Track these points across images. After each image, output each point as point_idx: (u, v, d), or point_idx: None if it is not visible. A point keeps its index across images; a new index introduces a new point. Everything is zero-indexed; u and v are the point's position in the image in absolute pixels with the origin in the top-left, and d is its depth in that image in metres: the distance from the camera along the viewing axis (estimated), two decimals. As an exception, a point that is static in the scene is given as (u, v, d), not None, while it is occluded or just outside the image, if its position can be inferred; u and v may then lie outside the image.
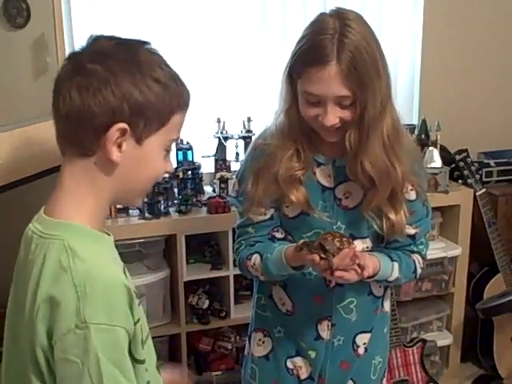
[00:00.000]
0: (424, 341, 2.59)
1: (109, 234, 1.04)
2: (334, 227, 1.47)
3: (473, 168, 2.62)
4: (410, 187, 1.47)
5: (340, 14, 1.33)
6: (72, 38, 2.31)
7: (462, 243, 2.66)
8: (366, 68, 1.30)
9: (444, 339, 2.73)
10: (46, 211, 1.00)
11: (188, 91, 1.02)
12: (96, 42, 0.98)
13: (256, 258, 1.51)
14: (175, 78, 1.00)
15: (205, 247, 2.48)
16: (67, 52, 1.73)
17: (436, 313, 2.74)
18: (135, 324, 0.96)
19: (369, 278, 1.46)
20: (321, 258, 1.33)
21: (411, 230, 1.51)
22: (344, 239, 1.35)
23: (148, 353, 1.02)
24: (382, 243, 1.53)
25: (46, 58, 1.58)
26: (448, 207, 2.63)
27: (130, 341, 0.95)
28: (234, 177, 1.60)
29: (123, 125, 0.94)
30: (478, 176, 2.63)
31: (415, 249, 1.56)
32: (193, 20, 2.48)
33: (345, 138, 1.39)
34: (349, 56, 1.28)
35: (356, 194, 1.47)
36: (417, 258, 1.56)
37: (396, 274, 1.51)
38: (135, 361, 0.97)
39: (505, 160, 2.89)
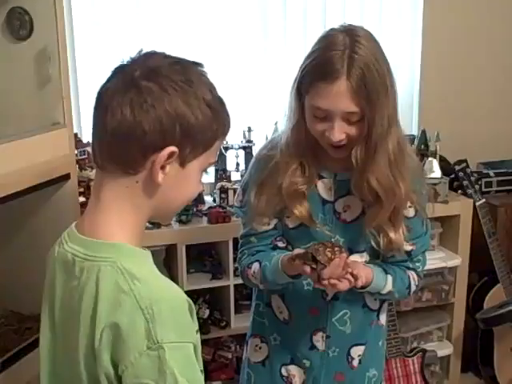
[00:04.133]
0: (424, 351, 2.59)
1: (146, 250, 1.01)
2: (333, 240, 1.47)
3: (472, 178, 2.63)
4: (408, 204, 1.47)
5: (350, 30, 1.34)
6: (74, 50, 2.34)
7: (461, 253, 2.66)
8: (374, 85, 1.30)
9: (444, 349, 2.73)
10: (84, 231, 0.97)
11: (230, 117, 1.00)
12: (149, 58, 0.94)
13: (256, 266, 1.53)
14: (222, 103, 0.98)
15: (205, 257, 2.48)
16: (70, 64, 1.75)
17: (436, 323, 2.74)
18: (196, 333, 0.95)
19: (361, 287, 1.46)
20: (312, 269, 1.35)
21: (408, 247, 1.50)
22: (336, 249, 1.36)
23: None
24: (379, 258, 1.53)
25: (48, 70, 1.60)
26: (448, 217, 2.64)
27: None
28: (239, 187, 1.61)
29: (174, 148, 0.92)
30: (477, 186, 2.64)
31: (411, 265, 1.55)
32: (194, 31, 2.50)
33: (350, 154, 1.39)
34: (359, 72, 1.29)
35: (355, 207, 1.48)
36: (412, 274, 1.55)
37: (389, 287, 1.51)
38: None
39: (504, 170, 2.91)
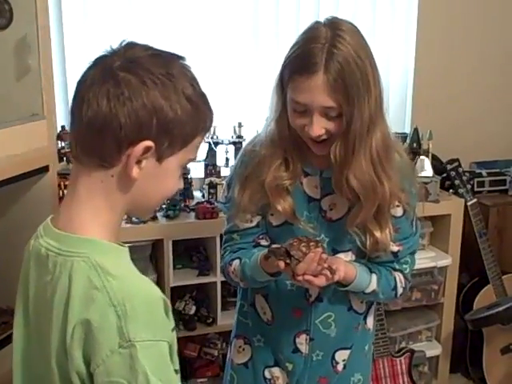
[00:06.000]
0: (412, 351, 2.57)
1: (123, 246, 0.98)
2: (318, 239, 1.43)
3: (464, 178, 2.61)
4: (396, 203, 1.43)
5: (333, 24, 1.31)
6: (62, 41, 2.31)
7: (452, 253, 2.64)
8: (354, 81, 1.27)
9: (433, 349, 2.72)
10: (58, 225, 0.95)
11: (213, 113, 0.97)
12: (130, 49, 0.92)
13: (236, 263, 1.50)
14: (205, 98, 0.96)
15: (192, 252, 2.46)
16: (54, 54, 1.71)
17: (425, 323, 2.72)
18: (172, 331, 0.93)
19: (344, 285, 1.43)
20: (287, 265, 1.31)
21: (394, 247, 1.46)
22: (311, 244, 1.33)
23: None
24: (365, 257, 1.49)
25: (27, 60, 1.56)
26: (438, 217, 2.62)
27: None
28: (225, 182, 1.59)
29: (150, 143, 0.89)
30: (469, 186, 2.62)
31: (397, 266, 1.50)
32: (185, 25, 2.48)
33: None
34: (337, 67, 1.26)
35: (341, 206, 1.45)
36: (398, 275, 1.51)
37: (374, 286, 1.47)
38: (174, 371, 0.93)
39: (497, 170, 2.90)
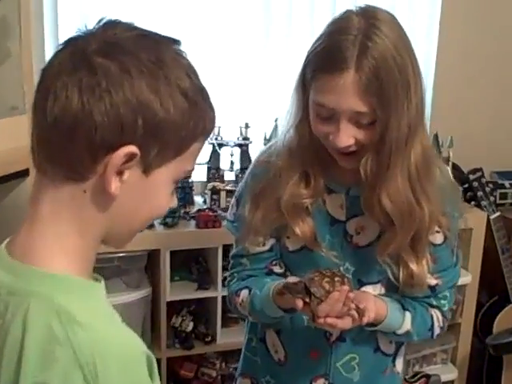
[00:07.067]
0: (428, 376, 2.39)
1: (99, 280, 0.79)
2: (341, 269, 1.23)
3: (487, 189, 2.43)
4: (436, 228, 1.22)
5: (368, 13, 1.10)
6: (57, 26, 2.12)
7: (472, 270, 2.44)
8: (391, 81, 1.07)
9: (448, 373, 2.53)
10: (15, 252, 0.75)
11: (214, 112, 0.78)
12: (110, 28, 0.73)
13: (245, 294, 1.30)
14: (204, 93, 0.77)
15: (192, 264, 2.27)
16: (34, 37, 1.49)
17: (441, 344, 2.53)
18: None
19: (372, 325, 1.22)
20: (306, 304, 1.11)
21: (432, 281, 1.26)
22: (336, 279, 1.12)
23: None
24: (397, 291, 1.28)
25: (6, 43, 1.35)
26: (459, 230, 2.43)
27: None
28: (234, 197, 1.37)
29: (134, 148, 0.70)
30: (492, 198, 2.44)
31: (435, 303, 1.30)
32: (191, 23, 2.29)
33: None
34: (372, 64, 1.05)
35: (370, 230, 1.24)
36: (436, 313, 1.31)
37: (407, 326, 1.26)
38: None
39: (521, 181, 2.71)
